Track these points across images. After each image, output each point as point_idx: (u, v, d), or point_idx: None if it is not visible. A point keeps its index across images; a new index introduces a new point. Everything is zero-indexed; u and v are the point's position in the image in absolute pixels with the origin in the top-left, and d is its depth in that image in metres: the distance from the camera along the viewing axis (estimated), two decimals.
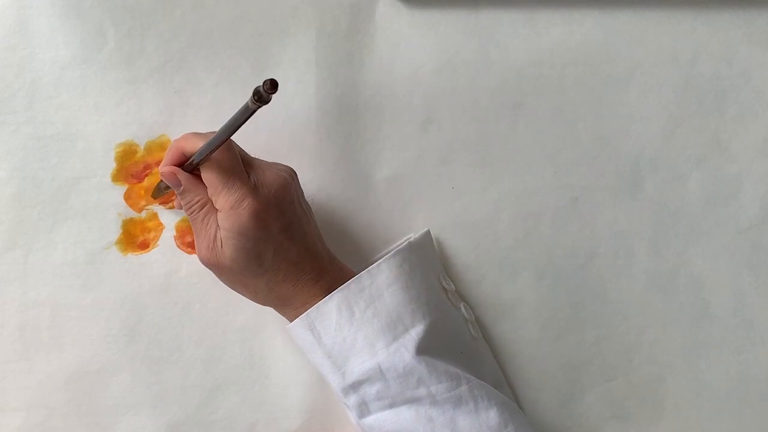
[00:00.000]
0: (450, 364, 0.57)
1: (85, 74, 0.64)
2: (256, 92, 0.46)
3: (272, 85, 0.46)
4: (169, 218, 0.64)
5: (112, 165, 0.64)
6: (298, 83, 0.65)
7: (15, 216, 0.64)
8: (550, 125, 0.65)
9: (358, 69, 0.65)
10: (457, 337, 0.61)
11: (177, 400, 0.63)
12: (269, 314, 0.63)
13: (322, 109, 0.65)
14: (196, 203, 0.57)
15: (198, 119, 0.65)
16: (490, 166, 0.65)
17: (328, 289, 0.57)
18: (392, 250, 0.62)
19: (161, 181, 0.61)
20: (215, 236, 0.56)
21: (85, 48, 0.64)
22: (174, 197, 0.64)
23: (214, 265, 0.57)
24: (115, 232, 0.64)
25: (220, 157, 0.55)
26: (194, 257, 0.64)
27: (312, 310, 0.57)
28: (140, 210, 0.64)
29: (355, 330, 0.57)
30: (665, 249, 0.65)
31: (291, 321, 0.59)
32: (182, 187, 0.58)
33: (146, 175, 0.64)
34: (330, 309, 0.57)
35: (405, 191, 0.65)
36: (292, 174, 0.59)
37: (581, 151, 0.65)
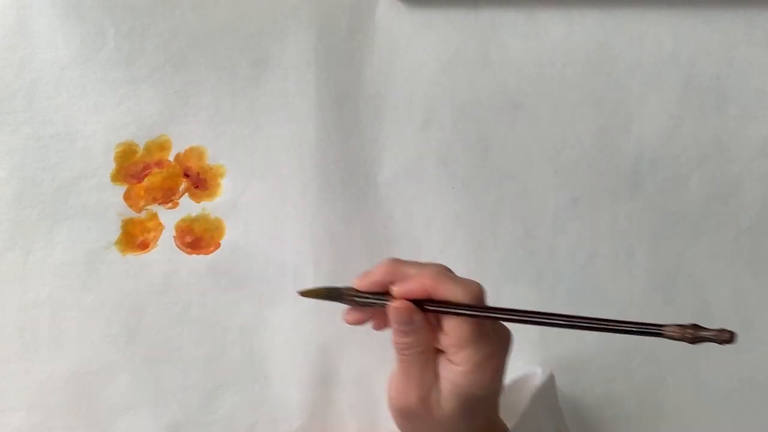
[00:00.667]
0: None
1: (85, 74, 0.64)
2: (701, 333, 0.44)
3: (731, 337, 0.43)
4: (168, 218, 0.64)
5: (111, 165, 0.64)
6: (298, 83, 0.65)
7: (15, 216, 0.64)
8: (550, 125, 0.65)
9: (358, 69, 0.65)
10: None
11: (177, 400, 0.63)
12: (269, 314, 0.64)
13: (322, 109, 0.65)
14: (421, 349, 0.49)
15: (198, 119, 0.65)
16: (490, 166, 0.65)
17: None
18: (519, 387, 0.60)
19: (368, 297, 0.51)
20: (432, 386, 0.49)
21: (85, 48, 0.64)
22: (172, 199, 0.64)
23: (418, 416, 0.50)
24: (114, 232, 0.64)
25: (480, 303, 0.48)
26: (194, 257, 0.64)
27: None
28: (140, 210, 0.65)
29: None
30: (665, 249, 0.65)
31: None
32: (412, 327, 0.49)
33: (146, 176, 0.64)
34: None
35: (405, 191, 0.65)
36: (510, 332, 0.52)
37: (581, 151, 0.65)
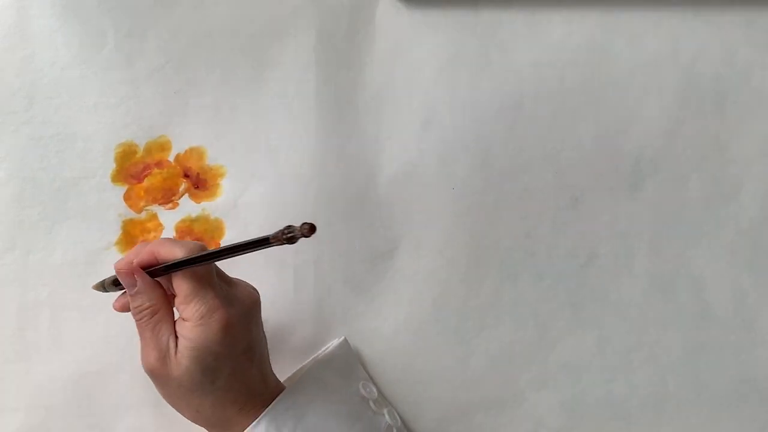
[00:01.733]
0: None
1: (85, 75, 0.64)
2: (290, 232, 0.47)
3: (311, 230, 0.47)
4: (168, 219, 0.64)
5: (111, 165, 0.64)
6: (298, 83, 0.65)
7: (15, 216, 0.64)
8: (551, 125, 0.65)
9: (358, 69, 0.65)
10: None
11: None
12: (268, 315, 0.64)
13: (322, 109, 0.65)
14: (147, 309, 0.54)
15: (198, 119, 0.65)
16: (490, 166, 0.65)
17: None
18: (312, 360, 0.62)
19: (110, 277, 0.58)
20: (168, 346, 0.54)
21: (84, 48, 0.64)
22: (172, 200, 0.64)
23: (161, 375, 0.54)
24: (114, 233, 0.64)
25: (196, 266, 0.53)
26: None
27: None
28: (140, 210, 0.65)
29: None
30: (665, 249, 0.65)
31: None
32: (135, 289, 0.54)
33: (146, 176, 0.64)
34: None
35: (405, 191, 0.65)
36: (257, 294, 0.57)
37: (581, 151, 0.65)
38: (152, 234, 0.65)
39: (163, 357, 0.54)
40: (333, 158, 0.65)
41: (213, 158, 0.65)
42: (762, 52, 0.65)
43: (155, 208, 0.65)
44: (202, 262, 0.53)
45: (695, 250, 0.65)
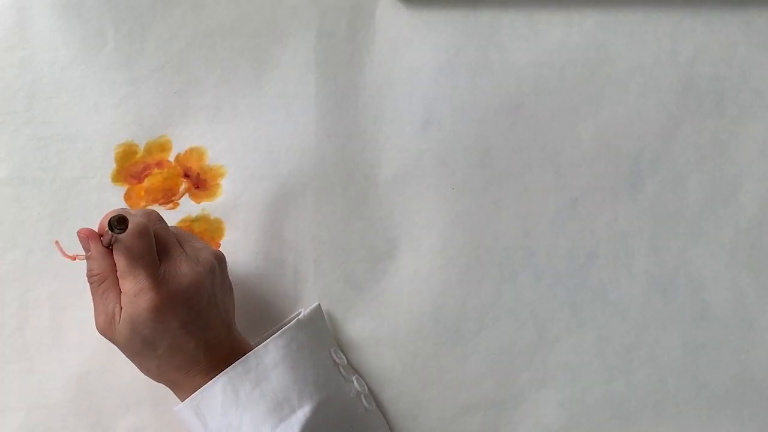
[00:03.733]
0: None
1: (85, 75, 0.64)
2: (109, 223, 0.51)
3: (119, 222, 0.51)
4: (168, 219, 0.64)
5: (112, 165, 0.64)
6: (298, 84, 0.65)
7: (15, 216, 0.64)
8: (550, 125, 0.65)
9: (358, 69, 0.65)
10: (349, 412, 0.60)
11: (177, 399, 0.63)
12: (267, 316, 0.64)
13: (322, 109, 0.65)
14: (97, 275, 0.56)
15: (198, 119, 0.65)
16: (490, 166, 0.65)
17: None
18: (281, 327, 0.61)
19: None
20: (113, 312, 0.56)
21: (84, 48, 0.64)
22: (172, 200, 0.64)
23: (110, 338, 0.57)
24: None
25: (131, 243, 0.54)
26: None
27: (197, 394, 0.56)
28: None
29: (241, 413, 0.56)
30: (665, 249, 0.65)
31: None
32: (89, 254, 0.56)
33: (146, 176, 0.64)
34: (215, 392, 0.56)
35: (405, 191, 0.65)
36: (214, 266, 0.58)
37: (581, 151, 0.65)
38: None
39: (110, 322, 0.56)
40: (333, 158, 0.65)
41: (213, 158, 0.65)
42: (761, 52, 0.65)
43: (155, 208, 0.65)
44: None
45: (694, 250, 0.65)
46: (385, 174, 0.65)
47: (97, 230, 0.57)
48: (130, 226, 0.53)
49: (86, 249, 0.57)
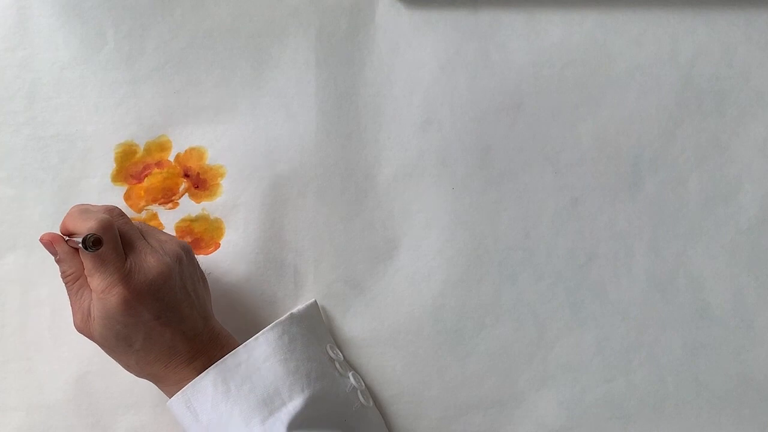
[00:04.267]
0: None
1: (85, 75, 0.64)
2: (84, 242, 0.52)
3: (94, 243, 0.51)
4: (168, 219, 0.64)
5: (111, 165, 0.64)
6: (298, 83, 0.65)
7: (16, 216, 0.64)
8: (550, 125, 0.65)
9: (358, 69, 0.65)
10: (342, 407, 0.60)
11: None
12: (267, 316, 0.64)
13: (322, 109, 0.65)
14: (70, 275, 0.57)
15: (198, 119, 0.65)
16: (490, 166, 0.65)
17: (202, 369, 0.57)
18: (278, 320, 0.61)
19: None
20: (89, 310, 0.56)
21: (84, 48, 0.64)
22: (172, 199, 0.64)
23: (89, 336, 0.57)
24: None
25: None
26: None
27: (188, 387, 0.56)
28: (140, 210, 0.65)
29: (231, 406, 0.56)
30: (665, 249, 0.65)
31: (170, 398, 0.58)
32: (58, 257, 0.57)
33: (146, 176, 0.65)
34: (206, 385, 0.56)
35: (405, 191, 0.65)
36: (181, 255, 0.58)
37: (581, 151, 0.65)
38: None
39: (86, 320, 0.56)
40: (333, 158, 0.65)
41: (213, 158, 0.65)
42: (761, 52, 0.65)
43: (155, 208, 0.65)
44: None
45: (694, 250, 0.65)
46: (385, 174, 0.65)
47: (60, 230, 0.57)
48: (93, 223, 0.54)
49: (53, 253, 0.57)
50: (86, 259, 0.55)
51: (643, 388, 0.65)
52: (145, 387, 0.63)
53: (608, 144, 0.65)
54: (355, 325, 0.65)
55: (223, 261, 0.64)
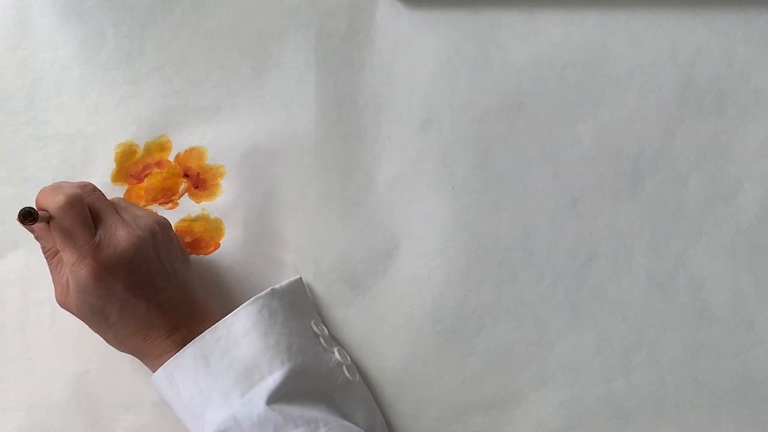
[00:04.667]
0: (311, 409, 0.56)
1: (85, 75, 0.64)
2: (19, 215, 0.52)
3: (25, 216, 0.51)
4: (168, 218, 0.64)
5: (111, 165, 0.64)
6: (298, 83, 0.65)
7: (16, 216, 0.64)
8: (550, 125, 0.65)
9: (358, 69, 0.65)
10: (326, 381, 0.60)
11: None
12: None
13: (322, 109, 0.65)
14: (48, 250, 0.58)
15: (198, 119, 0.65)
16: (490, 166, 0.65)
17: (182, 343, 0.57)
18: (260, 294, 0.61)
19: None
20: (67, 284, 0.56)
21: (84, 48, 0.64)
22: (172, 199, 0.64)
23: (67, 309, 0.58)
24: None
25: (64, 214, 0.54)
26: (194, 257, 0.64)
27: (170, 362, 0.56)
28: None
29: (212, 381, 0.56)
30: (665, 249, 0.65)
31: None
32: (35, 234, 0.58)
33: (146, 176, 0.65)
34: (186, 361, 0.56)
35: (405, 191, 0.65)
36: (155, 229, 0.58)
37: (581, 151, 0.65)
38: None
39: (65, 293, 0.57)
40: (333, 158, 0.65)
41: (213, 158, 0.65)
42: (761, 52, 0.65)
43: (155, 208, 0.65)
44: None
45: (694, 250, 0.65)
46: (385, 174, 0.65)
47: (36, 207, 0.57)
48: (61, 198, 0.54)
49: (31, 231, 0.58)
50: (57, 233, 0.55)
51: (643, 388, 0.65)
52: (145, 387, 0.63)
53: (608, 144, 0.65)
54: (355, 325, 0.65)
55: (223, 261, 0.64)
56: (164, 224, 0.59)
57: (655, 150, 0.65)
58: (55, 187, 0.56)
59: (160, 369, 0.57)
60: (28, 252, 0.64)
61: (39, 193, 0.56)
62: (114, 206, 0.59)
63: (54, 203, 0.55)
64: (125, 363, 0.63)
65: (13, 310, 0.64)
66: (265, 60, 0.65)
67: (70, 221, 0.54)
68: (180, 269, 0.59)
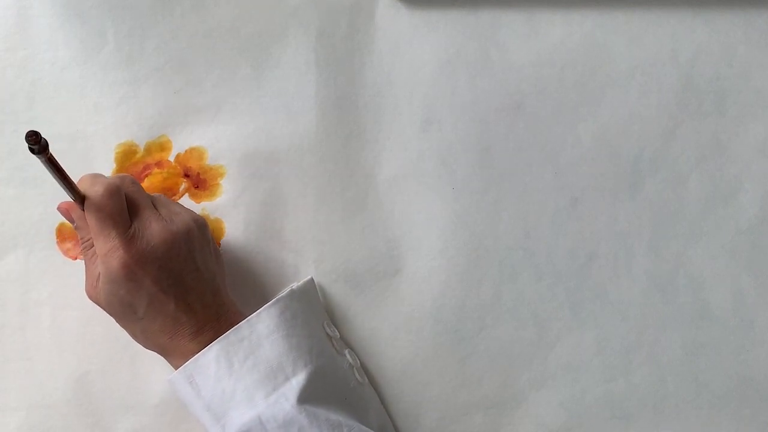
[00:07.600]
0: (332, 412, 0.56)
1: (85, 75, 0.64)
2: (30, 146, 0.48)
3: (35, 142, 0.47)
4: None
5: (112, 165, 0.64)
6: (298, 83, 0.65)
7: (16, 216, 0.64)
8: (550, 125, 0.65)
9: (358, 69, 0.65)
10: (342, 383, 0.60)
11: (176, 399, 0.63)
12: None
13: (322, 109, 0.65)
14: (87, 241, 0.57)
15: (198, 119, 0.65)
16: (490, 166, 0.65)
17: (208, 344, 0.56)
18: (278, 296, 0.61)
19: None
20: (98, 277, 0.56)
21: (85, 48, 0.64)
22: (172, 199, 0.64)
23: (95, 302, 0.58)
24: None
25: (101, 203, 0.55)
26: None
27: (190, 363, 0.56)
28: None
29: (235, 381, 0.56)
30: (665, 249, 0.65)
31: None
32: (75, 224, 0.58)
33: (146, 176, 0.65)
34: (208, 361, 0.56)
35: (405, 191, 0.65)
36: (191, 227, 0.57)
37: (581, 151, 0.65)
38: None
39: (95, 285, 0.57)
40: (333, 158, 0.65)
41: (213, 158, 0.65)
42: (761, 52, 0.65)
43: None
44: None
45: (694, 250, 0.65)
46: (385, 174, 0.65)
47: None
48: (100, 187, 0.54)
49: (71, 221, 0.58)
50: (92, 221, 0.55)
51: (643, 388, 0.65)
52: (146, 387, 0.63)
53: (608, 144, 0.65)
54: (355, 325, 0.65)
55: (226, 260, 0.64)
56: (201, 223, 0.59)
57: (655, 150, 0.65)
58: (95, 176, 0.57)
59: (180, 369, 0.56)
60: (28, 252, 0.64)
61: (79, 180, 0.56)
62: (153, 201, 0.59)
63: (93, 192, 0.55)
64: (125, 363, 0.63)
65: (13, 310, 0.64)
66: (265, 60, 0.65)
67: (107, 210, 0.55)
68: (211, 267, 0.59)
